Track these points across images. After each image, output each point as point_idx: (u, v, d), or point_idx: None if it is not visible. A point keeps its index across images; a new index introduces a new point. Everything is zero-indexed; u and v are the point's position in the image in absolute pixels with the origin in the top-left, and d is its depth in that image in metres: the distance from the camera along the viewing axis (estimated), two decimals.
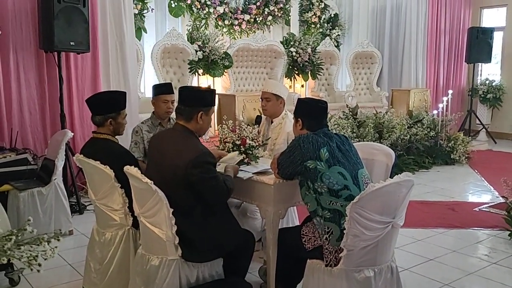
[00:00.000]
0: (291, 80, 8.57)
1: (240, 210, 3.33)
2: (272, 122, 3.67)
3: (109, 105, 2.96)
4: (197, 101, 2.59)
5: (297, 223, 3.42)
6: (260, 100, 3.68)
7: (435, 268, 3.50)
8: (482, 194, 5.61)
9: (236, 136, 3.05)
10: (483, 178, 6.28)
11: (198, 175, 2.39)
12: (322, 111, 2.65)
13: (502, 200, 5.13)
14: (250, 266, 2.75)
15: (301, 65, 8.29)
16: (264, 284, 2.99)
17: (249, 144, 2.98)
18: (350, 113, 6.94)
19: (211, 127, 5.94)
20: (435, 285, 3.21)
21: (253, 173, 2.78)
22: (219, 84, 7.79)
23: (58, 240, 1.32)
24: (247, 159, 2.97)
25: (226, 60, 7.36)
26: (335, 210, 2.35)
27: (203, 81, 7.47)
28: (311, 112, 2.63)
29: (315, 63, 8.44)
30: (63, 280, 3.26)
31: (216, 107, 6.72)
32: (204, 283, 2.45)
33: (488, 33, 9.05)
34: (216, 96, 4.26)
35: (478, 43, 8.95)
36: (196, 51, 7.04)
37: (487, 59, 9.18)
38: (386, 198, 2.23)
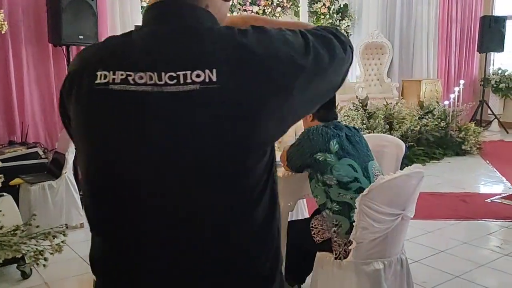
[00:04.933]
0: None
1: None
2: None
3: None
4: None
5: (306, 215, 3.40)
6: None
7: (446, 260, 3.47)
8: (494, 185, 5.55)
9: None
10: (494, 169, 6.20)
11: None
12: (330, 99, 2.63)
13: None
14: None
15: None
16: None
17: None
18: (360, 104, 6.89)
19: None
20: (446, 277, 3.19)
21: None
22: None
23: (65, 235, 1.32)
24: None
25: None
26: (344, 202, 2.33)
27: None
28: None
29: None
30: (74, 273, 3.30)
31: None
32: None
33: (500, 21, 8.89)
34: None
35: (491, 32, 8.80)
36: None
37: (500, 48, 9.03)
38: (396, 190, 2.20)
